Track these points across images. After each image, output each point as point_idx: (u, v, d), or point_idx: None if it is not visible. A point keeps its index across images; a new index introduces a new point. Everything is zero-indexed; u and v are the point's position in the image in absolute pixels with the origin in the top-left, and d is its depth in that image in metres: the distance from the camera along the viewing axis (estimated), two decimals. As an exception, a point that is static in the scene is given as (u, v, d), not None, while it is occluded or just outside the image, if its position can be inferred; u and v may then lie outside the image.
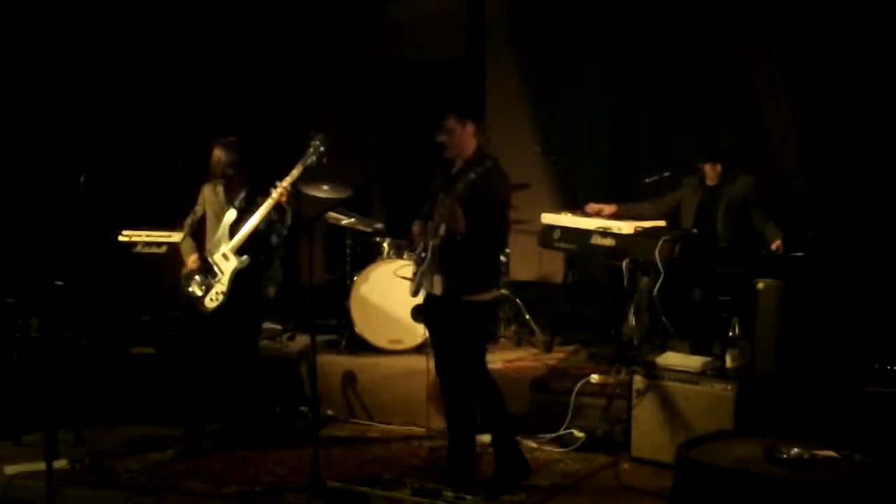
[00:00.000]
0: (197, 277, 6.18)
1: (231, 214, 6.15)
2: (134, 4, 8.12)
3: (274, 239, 6.32)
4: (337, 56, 9.25)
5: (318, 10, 8.99)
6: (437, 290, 5.37)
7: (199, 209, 6.31)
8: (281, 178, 6.01)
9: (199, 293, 6.16)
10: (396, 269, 7.07)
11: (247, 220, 6.10)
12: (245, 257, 6.11)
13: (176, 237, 6.45)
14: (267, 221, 6.11)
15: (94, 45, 7.93)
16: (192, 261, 6.21)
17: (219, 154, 6.14)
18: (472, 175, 5.17)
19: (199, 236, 6.33)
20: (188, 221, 6.33)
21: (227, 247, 6.13)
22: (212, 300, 6.13)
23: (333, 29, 9.15)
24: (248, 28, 8.76)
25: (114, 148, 7.89)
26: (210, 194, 6.26)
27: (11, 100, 7.64)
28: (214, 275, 6.14)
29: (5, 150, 7.63)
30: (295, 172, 6.02)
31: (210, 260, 6.16)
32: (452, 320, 5.39)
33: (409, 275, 5.61)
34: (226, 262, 6.12)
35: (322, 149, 6.02)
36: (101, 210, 6.76)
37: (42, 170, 7.60)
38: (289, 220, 6.15)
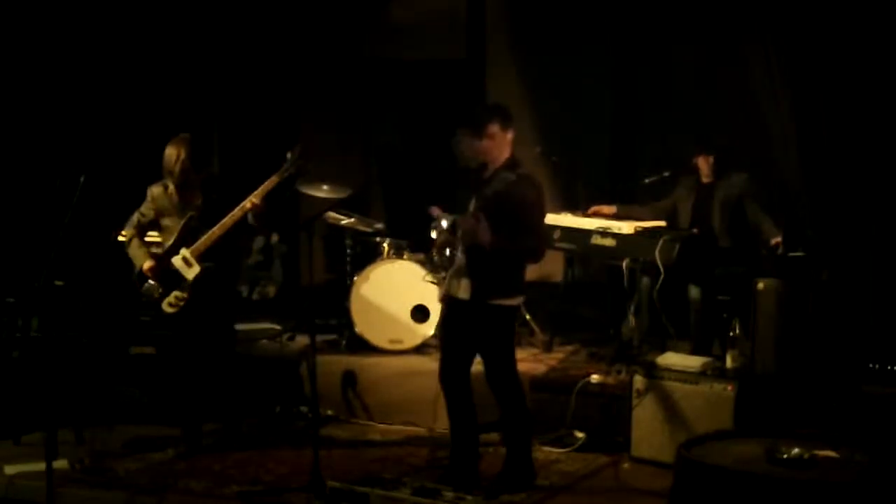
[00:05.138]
0: (151, 282, 6.03)
1: (190, 217, 6.01)
2: (134, 5, 8.12)
3: (261, 242, 6.24)
4: (337, 56, 9.25)
5: (318, 9, 9.00)
6: (464, 294, 5.35)
7: (148, 211, 6.12)
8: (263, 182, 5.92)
9: (155, 296, 6.02)
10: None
11: (208, 223, 5.97)
12: (210, 263, 5.98)
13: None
14: (230, 229, 5.95)
15: (94, 45, 7.92)
16: (147, 266, 6.02)
17: (177, 151, 5.94)
18: (505, 180, 5.19)
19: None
20: (134, 222, 6.13)
21: (187, 251, 5.99)
22: (171, 305, 6.00)
23: (333, 29, 9.15)
24: (249, 28, 8.77)
25: (113, 148, 7.89)
26: (161, 196, 6.07)
27: (11, 100, 7.64)
28: (175, 280, 6.00)
29: (5, 150, 7.63)
30: (268, 185, 5.91)
31: (169, 262, 6.01)
32: (478, 324, 5.38)
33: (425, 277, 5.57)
34: (188, 267, 5.98)
35: (300, 161, 5.93)
36: (101, 210, 6.75)
37: (42, 170, 7.60)
38: (250, 228, 6.00)
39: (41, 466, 5.40)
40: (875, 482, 3.74)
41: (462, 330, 5.47)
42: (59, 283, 6.31)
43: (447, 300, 5.48)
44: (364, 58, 9.39)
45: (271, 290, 9.00)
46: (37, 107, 7.74)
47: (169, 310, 6.02)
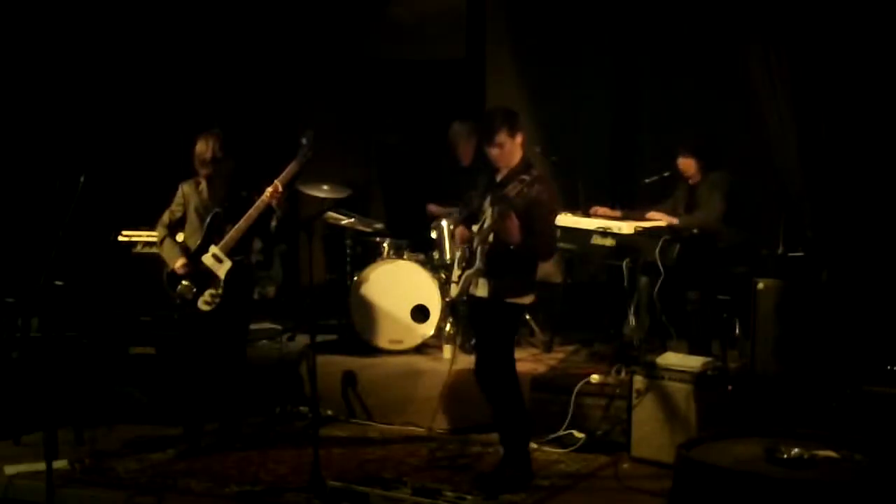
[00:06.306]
0: (185, 282, 6.01)
1: (215, 214, 6.01)
2: (134, 5, 8.12)
3: (259, 243, 6.21)
4: (337, 56, 9.25)
5: (319, 9, 9.00)
6: (483, 293, 5.41)
7: (177, 209, 6.13)
8: (275, 177, 5.92)
9: (190, 296, 6.01)
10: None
11: (233, 217, 5.97)
12: (239, 257, 6.00)
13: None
14: (257, 220, 5.96)
15: (94, 45, 7.93)
16: (180, 265, 6.01)
17: (208, 143, 5.96)
18: (523, 183, 5.20)
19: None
20: (165, 221, 6.14)
21: (217, 248, 5.99)
22: (207, 303, 6.00)
23: (334, 28, 9.16)
24: (249, 28, 8.77)
25: (113, 148, 7.89)
26: (191, 193, 6.08)
27: (12, 100, 7.64)
28: (207, 277, 5.99)
29: (6, 150, 7.63)
30: (289, 171, 5.93)
31: (200, 261, 6.01)
32: (491, 320, 5.46)
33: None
34: (219, 263, 5.98)
35: (314, 145, 5.95)
36: (101, 210, 6.75)
37: (42, 170, 7.60)
38: (274, 221, 5.99)
39: (41, 466, 5.41)
40: (875, 482, 3.74)
41: (484, 327, 5.57)
42: (59, 283, 6.31)
43: (470, 300, 5.51)
44: (364, 58, 9.40)
45: (271, 290, 9.00)
46: (38, 107, 7.75)
47: (206, 308, 6.01)
